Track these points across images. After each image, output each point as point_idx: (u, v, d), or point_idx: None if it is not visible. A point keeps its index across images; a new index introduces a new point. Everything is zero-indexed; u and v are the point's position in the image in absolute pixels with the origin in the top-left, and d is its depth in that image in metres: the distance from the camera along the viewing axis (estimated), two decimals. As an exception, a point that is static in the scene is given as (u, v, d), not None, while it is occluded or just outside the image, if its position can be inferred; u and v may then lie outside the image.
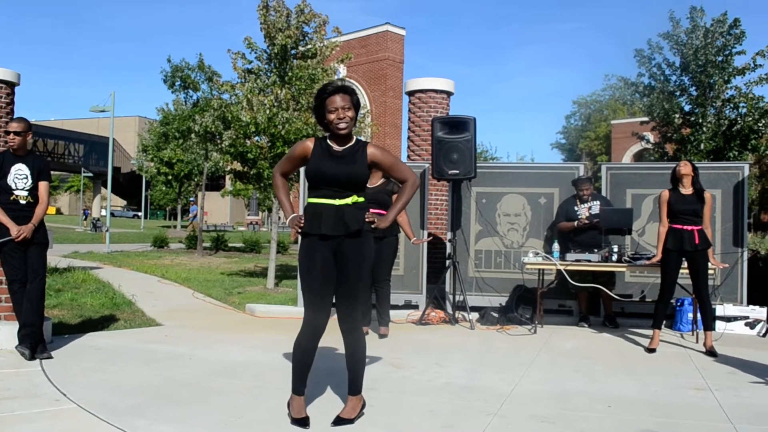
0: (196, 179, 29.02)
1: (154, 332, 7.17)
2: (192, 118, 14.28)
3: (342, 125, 3.90)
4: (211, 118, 11.23)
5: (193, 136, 13.94)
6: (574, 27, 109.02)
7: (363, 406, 4.14)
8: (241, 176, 11.79)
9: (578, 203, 7.98)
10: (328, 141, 4.00)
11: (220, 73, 18.46)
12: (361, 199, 3.98)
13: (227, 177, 13.27)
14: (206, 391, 4.70)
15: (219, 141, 11.24)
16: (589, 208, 7.89)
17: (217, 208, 65.96)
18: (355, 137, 4.08)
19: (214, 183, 57.84)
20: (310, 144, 3.99)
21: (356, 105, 3.98)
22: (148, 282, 12.02)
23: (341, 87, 3.95)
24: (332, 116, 3.90)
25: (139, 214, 56.50)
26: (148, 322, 7.73)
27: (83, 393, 4.54)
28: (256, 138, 10.89)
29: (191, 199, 33.50)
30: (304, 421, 3.95)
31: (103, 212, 49.14)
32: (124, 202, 71.82)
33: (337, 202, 3.90)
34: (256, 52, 11.05)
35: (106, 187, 29.62)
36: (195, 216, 27.84)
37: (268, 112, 10.23)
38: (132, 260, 16.52)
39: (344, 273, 3.96)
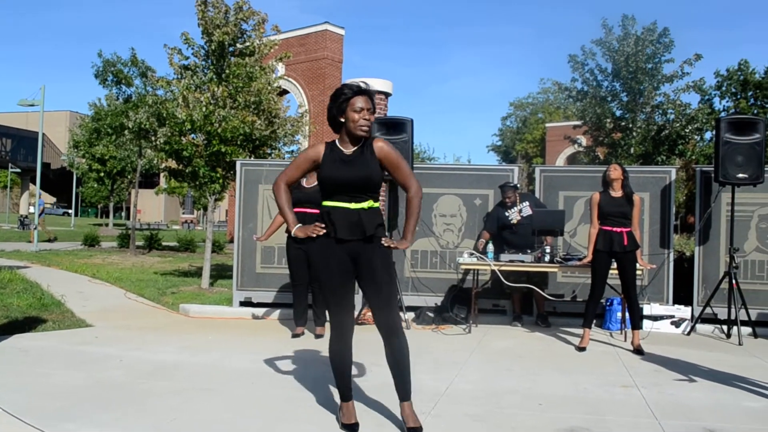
0: (129, 176, 28.40)
1: (83, 333, 7.00)
2: (125, 114, 13.98)
3: (365, 127, 3.83)
4: (146, 114, 11.01)
5: (126, 132, 13.64)
6: (515, 30, 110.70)
7: None
8: (176, 174, 11.59)
9: (508, 207, 8.11)
10: (338, 144, 3.92)
11: (155, 68, 18.14)
12: (377, 204, 3.91)
13: (162, 174, 12.99)
14: (136, 394, 4.61)
15: (153, 138, 11.02)
16: (520, 210, 8.04)
17: (151, 206, 64.69)
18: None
19: (149, 180, 56.67)
20: (321, 149, 3.91)
21: (374, 110, 3.93)
22: (78, 282, 11.71)
23: (365, 89, 3.87)
24: (356, 116, 3.81)
25: (70, 211, 54.98)
26: (78, 323, 7.53)
27: (8, 396, 4.39)
28: (192, 136, 10.72)
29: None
30: (352, 427, 3.91)
31: (32, 209, 47.58)
32: (53, 199, 69.78)
33: (353, 206, 3.82)
34: (193, 48, 10.89)
35: (34, 183, 28.65)
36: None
37: (204, 109, 10.09)
38: (61, 259, 16.06)
39: (373, 279, 3.86)
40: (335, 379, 4.03)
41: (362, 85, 3.88)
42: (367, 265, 3.85)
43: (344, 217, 3.81)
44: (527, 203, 8.07)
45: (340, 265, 3.85)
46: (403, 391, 3.90)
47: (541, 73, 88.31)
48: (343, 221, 3.80)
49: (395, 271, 3.97)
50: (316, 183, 7.01)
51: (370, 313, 7.99)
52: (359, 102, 3.81)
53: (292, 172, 4.00)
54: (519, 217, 8.01)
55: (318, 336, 6.99)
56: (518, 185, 8.38)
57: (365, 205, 3.83)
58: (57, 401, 4.36)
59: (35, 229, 20.91)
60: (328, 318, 3.93)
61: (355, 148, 3.88)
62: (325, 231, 3.82)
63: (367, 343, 6.72)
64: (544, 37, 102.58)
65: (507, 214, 8.08)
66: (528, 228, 7.89)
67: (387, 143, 3.95)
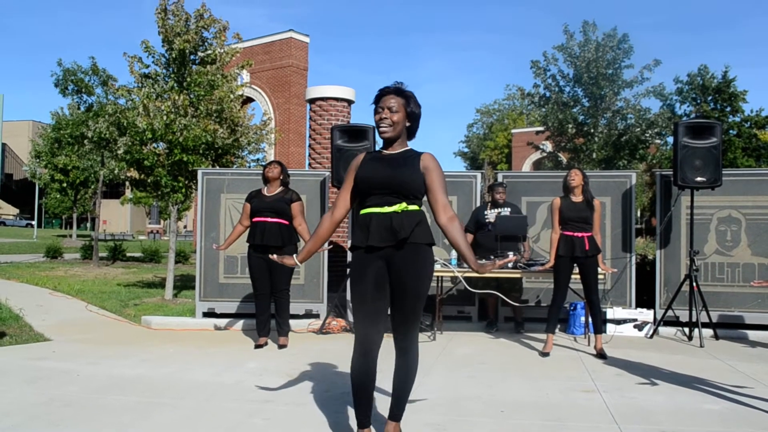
0: (92, 186, 28.00)
1: (41, 348, 6.84)
2: (86, 124, 13.77)
3: (383, 126, 3.61)
4: (106, 123, 10.84)
5: (86, 142, 13.44)
6: (485, 36, 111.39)
7: None
8: (138, 184, 11.45)
9: (489, 208, 8.11)
10: (379, 149, 3.76)
11: (117, 77, 17.92)
12: (413, 207, 3.60)
13: (127, 184, 12.74)
14: (90, 409, 4.50)
15: (114, 147, 10.86)
16: (499, 213, 8.03)
17: (117, 217, 63.84)
18: (409, 146, 3.74)
19: (114, 190, 55.98)
20: (360, 157, 3.75)
21: (410, 114, 3.65)
22: (38, 295, 11.47)
23: (393, 89, 3.65)
24: (376, 117, 3.63)
25: (33, 223, 54.05)
26: (36, 338, 7.36)
27: (-44, 415, 4.26)
28: (154, 145, 10.59)
29: None
30: None
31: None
32: (16, 211, 68.58)
33: (386, 210, 3.57)
34: (153, 57, 10.76)
35: (-5, 194, 28.15)
36: None
37: (165, 118, 9.96)
38: (22, 272, 15.74)
39: (399, 287, 3.58)
40: (354, 401, 3.68)
41: (391, 86, 3.67)
42: (397, 274, 3.57)
43: (376, 223, 3.57)
44: (509, 210, 8.07)
45: (376, 276, 3.58)
46: (396, 410, 3.76)
47: (510, 79, 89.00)
48: (374, 227, 3.57)
49: (428, 285, 3.68)
50: (277, 191, 6.96)
51: (335, 322, 7.99)
52: (381, 101, 3.62)
53: (341, 193, 3.77)
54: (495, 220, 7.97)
55: (281, 346, 6.91)
56: (505, 184, 8.30)
57: (397, 208, 3.56)
58: (8, 419, 4.23)
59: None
60: (354, 328, 3.64)
61: (396, 151, 3.68)
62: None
63: (326, 354, 6.68)
64: (513, 43, 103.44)
65: (486, 213, 8.07)
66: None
67: (435, 160, 3.67)
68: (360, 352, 3.58)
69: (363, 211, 3.64)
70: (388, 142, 3.67)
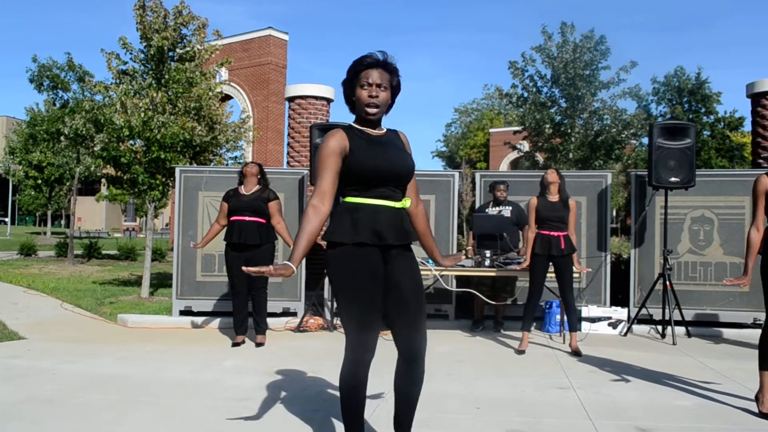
0: (68, 183, 27.72)
1: (15, 346, 6.79)
2: (62, 120, 13.64)
3: (371, 108, 3.13)
4: (82, 120, 10.76)
5: (62, 138, 13.32)
6: (467, 36, 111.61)
7: None
8: (115, 181, 11.37)
9: (491, 206, 8.18)
10: (359, 127, 3.21)
11: (93, 73, 17.74)
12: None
13: (102, 181, 12.60)
14: (68, 408, 4.48)
15: (90, 144, 10.78)
16: (499, 211, 8.09)
17: (92, 214, 63.26)
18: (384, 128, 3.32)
19: (89, 187, 55.43)
20: (343, 134, 3.12)
21: (395, 87, 3.21)
22: (11, 293, 11.34)
23: (382, 62, 3.15)
24: (363, 93, 3.12)
25: (6, 219, 53.39)
26: (10, 336, 7.30)
27: (-69, 414, 4.24)
28: (131, 142, 10.52)
29: None
30: None
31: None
32: (-11, 207, 67.70)
33: (396, 204, 3.17)
34: (131, 53, 10.69)
35: (-32, 191, 27.68)
36: None
37: (143, 115, 9.91)
38: (-5, 269, 15.57)
39: (399, 295, 3.22)
40: (345, 416, 3.27)
41: (379, 55, 3.16)
42: (397, 277, 3.21)
43: (386, 218, 3.14)
44: (510, 208, 8.13)
45: (374, 275, 3.15)
46: (407, 423, 3.43)
47: (491, 79, 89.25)
48: (387, 222, 3.13)
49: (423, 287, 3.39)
50: (254, 190, 6.96)
51: (312, 320, 8.00)
52: (369, 76, 3.11)
53: (326, 180, 3.09)
54: None
55: (258, 345, 6.93)
56: (507, 183, 8.34)
57: (407, 203, 3.25)
58: (-17, 418, 4.22)
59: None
60: (348, 334, 3.25)
61: (384, 132, 3.25)
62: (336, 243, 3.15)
63: (303, 352, 6.71)
64: (494, 42, 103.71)
65: (487, 211, 8.14)
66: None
67: (407, 143, 3.38)
68: (356, 361, 3.22)
69: (366, 201, 3.13)
70: (371, 123, 3.22)
